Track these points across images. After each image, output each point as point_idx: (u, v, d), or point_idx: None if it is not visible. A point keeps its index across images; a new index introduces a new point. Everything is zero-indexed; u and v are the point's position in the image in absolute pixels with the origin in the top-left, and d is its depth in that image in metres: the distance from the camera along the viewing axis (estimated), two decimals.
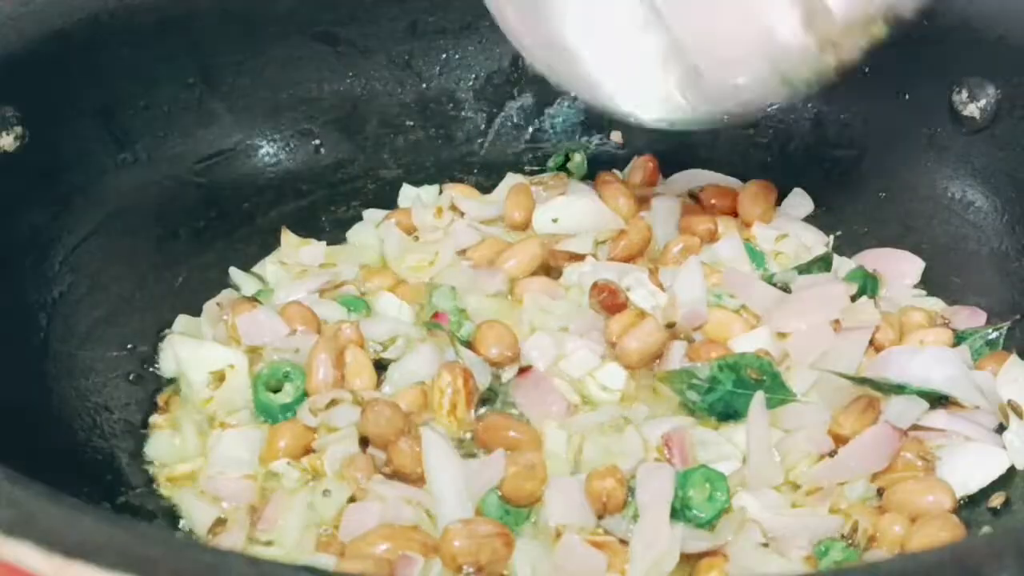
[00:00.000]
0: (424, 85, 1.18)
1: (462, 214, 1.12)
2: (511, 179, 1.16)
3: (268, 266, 1.08)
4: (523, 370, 0.93)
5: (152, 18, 1.03)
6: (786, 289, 1.00)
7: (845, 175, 1.08)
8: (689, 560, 0.79)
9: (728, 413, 0.89)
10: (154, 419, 0.94)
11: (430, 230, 1.10)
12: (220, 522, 0.85)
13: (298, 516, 0.84)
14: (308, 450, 0.89)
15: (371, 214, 1.14)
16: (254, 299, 1.03)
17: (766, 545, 0.80)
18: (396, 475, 0.86)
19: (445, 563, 0.77)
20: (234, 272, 1.07)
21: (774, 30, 0.86)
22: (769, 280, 1.02)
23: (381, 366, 0.95)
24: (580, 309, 0.99)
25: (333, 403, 0.90)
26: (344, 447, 0.87)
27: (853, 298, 0.99)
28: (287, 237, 1.10)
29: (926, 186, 1.08)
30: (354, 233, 1.12)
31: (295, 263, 1.08)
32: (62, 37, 0.96)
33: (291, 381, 0.93)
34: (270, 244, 1.10)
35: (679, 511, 0.82)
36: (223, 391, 0.94)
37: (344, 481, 0.85)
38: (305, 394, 0.92)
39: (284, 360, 0.95)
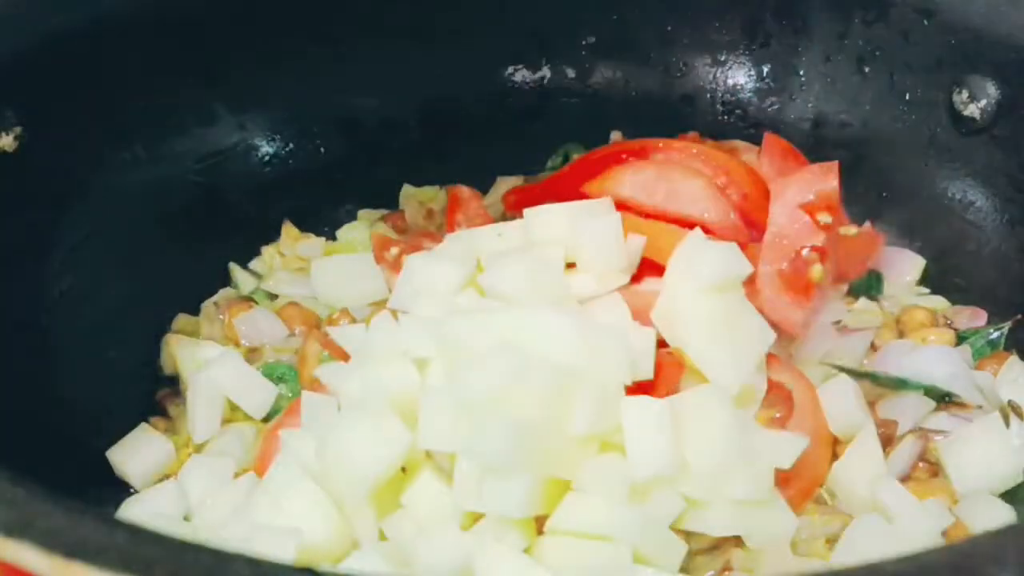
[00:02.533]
0: (425, 85, 1.18)
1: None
2: (504, 182, 1.17)
3: (264, 253, 1.09)
4: None
5: (152, 18, 1.02)
6: None
7: (845, 175, 1.08)
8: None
9: None
10: (152, 419, 0.94)
11: (421, 230, 1.11)
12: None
13: None
14: None
15: (366, 214, 1.14)
16: (250, 299, 1.03)
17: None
18: None
19: None
20: (233, 268, 1.07)
21: None
22: None
23: None
24: None
25: None
26: None
27: (855, 297, 0.99)
28: (288, 230, 1.11)
29: (926, 186, 1.08)
30: (345, 232, 1.13)
31: (293, 255, 1.09)
32: (62, 37, 0.96)
33: (286, 382, 0.93)
34: (270, 244, 1.11)
35: None
36: None
37: None
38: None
39: (280, 361, 0.95)
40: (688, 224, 0.94)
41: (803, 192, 0.99)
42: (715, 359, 0.83)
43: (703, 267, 0.85)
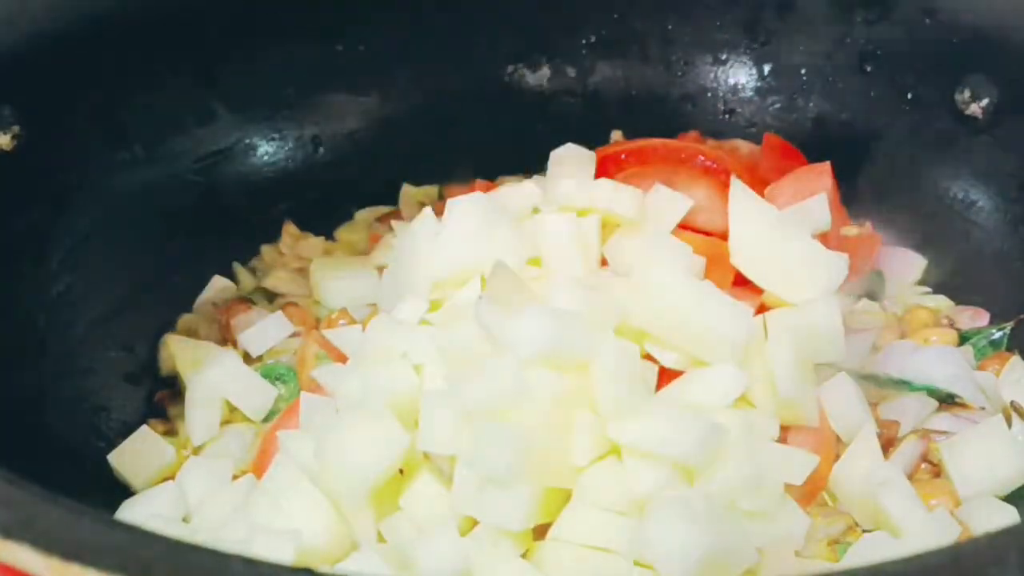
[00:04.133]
0: (425, 85, 1.18)
1: None
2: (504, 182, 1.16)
3: (264, 253, 1.09)
4: None
5: (151, 17, 1.02)
6: None
7: (846, 175, 1.08)
8: None
9: None
10: (151, 420, 0.94)
11: None
12: None
13: None
14: None
15: (365, 213, 1.14)
16: (248, 300, 1.03)
17: None
18: None
19: None
20: (237, 268, 1.07)
21: None
22: None
23: None
24: None
25: None
26: None
27: (856, 297, 0.99)
28: (288, 230, 1.10)
29: (928, 186, 1.08)
30: (343, 232, 1.13)
31: (292, 255, 1.09)
32: (60, 36, 0.96)
33: (285, 383, 0.93)
34: (269, 244, 1.11)
35: None
36: None
37: None
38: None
39: (279, 362, 0.95)
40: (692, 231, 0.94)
41: (797, 193, 0.98)
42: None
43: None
